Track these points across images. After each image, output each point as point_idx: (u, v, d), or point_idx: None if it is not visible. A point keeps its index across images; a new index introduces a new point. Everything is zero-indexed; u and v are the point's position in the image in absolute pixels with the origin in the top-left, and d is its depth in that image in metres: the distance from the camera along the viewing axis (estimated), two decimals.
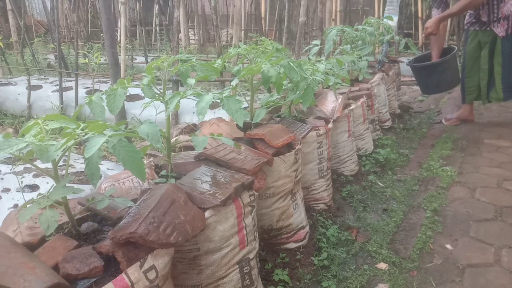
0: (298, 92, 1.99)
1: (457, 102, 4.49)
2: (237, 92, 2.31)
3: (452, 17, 3.76)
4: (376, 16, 6.81)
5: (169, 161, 1.44)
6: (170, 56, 1.47)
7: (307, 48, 3.27)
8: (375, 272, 1.77)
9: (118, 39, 5.15)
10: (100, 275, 0.95)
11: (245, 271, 1.33)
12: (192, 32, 9.84)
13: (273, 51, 2.01)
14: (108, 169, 2.38)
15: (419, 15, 7.39)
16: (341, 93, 2.71)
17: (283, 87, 1.94)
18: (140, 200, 1.14)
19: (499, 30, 3.48)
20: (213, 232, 1.23)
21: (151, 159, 1.61)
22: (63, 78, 4.50)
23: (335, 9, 6.83)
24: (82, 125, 1.08)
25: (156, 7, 9.44)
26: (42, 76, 5.57)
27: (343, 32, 3.39)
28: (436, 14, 3.83)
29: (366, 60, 3.31)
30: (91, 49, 5.15)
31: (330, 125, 2.29)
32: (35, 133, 1.04)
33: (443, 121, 4.11)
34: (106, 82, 4.79)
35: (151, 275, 0.96)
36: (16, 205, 1.92)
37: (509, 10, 3.38)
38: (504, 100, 3.80)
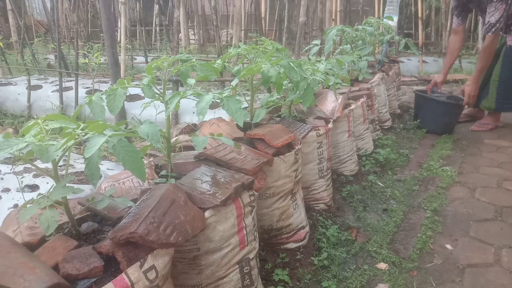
0: (298, 92, 1.99)
1: None
2: (237, 92, 2.31)
3: (484, 70, 3.61)
4: (376, 16, 6.81)
5: (169, 161, 1.44)
6: (170, 56, 1.47)
7: (307, 48, 3.28)
8: (375, 272, 1.77)
9: (118, 39, 5.15)
10: (100, 275, 0.95)
11: (245, 271, 1.33)
12: (192, 32, 9.84)
13: (273, 51, 2.01)
14: (108, 169, 2.38)
15: (419, 15, 7.39)
16: (341, 93, 2.71)
17: (283, 87, 1.94)
18: (140, 200, 1.14)
19: (509, 39, 3.43)
20: (213, 232, 1.23)
21: (151, 159, 1.61)
22: (63, 78, 4.50)
23: (335, 9, 6.83)
24: (82, 125, 1.08)
25: (156, 7, 9.44)
26: (42, 76, 5.56)
27: (343, 32, 3.39)
28: (456, 22, 3.71)
29: (366, 60, 3.31)
30: (91, 49, 5.14)
31: (330, 125, 2.29)
32: (35, 133, 1.04)
33: None
34: (106, 82, 4.79)
35: (151, 275, 0.96)
36: (16, 205, 1.91)
37: None
38: (496, 111, 3.70)
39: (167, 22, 8.04)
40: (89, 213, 1.22)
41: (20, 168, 2.27)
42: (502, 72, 3.50)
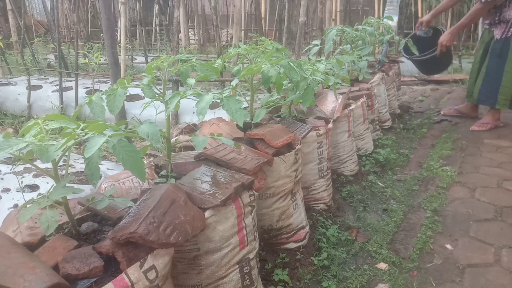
0: (298, 92, 1.99)
1: (457, 102, 4.50)
2: (237, 92, 2.31)
3: (464, 28, 3.82)
4: (376, 16, 6.81)
5: (169, 161, 1.44)
6: (170, 56, 1.47)
7: (307, 48, 3.27)
8: (375, 272, 1.77)
9: (118, 39, 5.15)
10: (100, 275, 0.95)
11: (245, 271, 1.33)
12: (192, 32, 9.84)
13: (273, 51, 2.01)
14: (108, 169, 2.38)
15: (419, 15, 7.38)
16: (341, 93, 2.71)
17: (283, 87, 1.93)
18: (140, 200, 1.14)
19: (497, 32, 3.51)
20: (213, 232, 1.23)
21: (151, 159, 1.61)
22: (63, 78, 4.50)
23: (335, 9, 6.83)
24: (82, 125, 1.08)
25: (156, 7, 9.44)
26: (42, 76, 5.57)
27: (343, 32, 3.39)
28: None
29: (366, 60, 3.31)
30: (91, 49, 5.15)
31: (330, 125, 2.29)
32: (35, 133, 1.04)
33: (442, 111, 4.22)
34: (106, 82, 4.79)
35: (151, 275, 0.96)
36: (16, 205, 1.91)
37: (510, 15, 3.38)
38: (478, 103, 3.81)
39: (167, 22, 8.04)
40: (89, 213, 1.22)
41: (20, 168, 2.27)
42: (488, 65, 3.59)
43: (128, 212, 1.07)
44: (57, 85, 4.50)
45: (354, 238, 2.02)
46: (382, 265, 1.82)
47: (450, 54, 4.06)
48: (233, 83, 1.95)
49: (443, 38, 3.76)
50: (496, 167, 2.86)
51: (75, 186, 1.18)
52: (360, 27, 3.52)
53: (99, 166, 0.99)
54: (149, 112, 1.85)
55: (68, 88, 4.53)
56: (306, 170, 2.11)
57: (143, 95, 1.40)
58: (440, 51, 3.77)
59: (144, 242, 0.98)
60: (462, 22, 3.73)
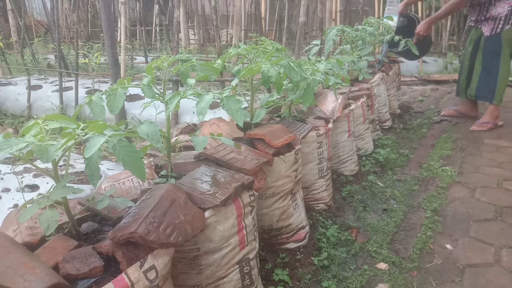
0: (298, 92, 1.99)
1: (457, 102, 4.51)
2: (237, 92, 2.31)
3: (440, 19, 3.97)
4: (376, 16, 6.80)
5: (169, 161, 1.44)
6: (170, 56, 1.47)
7: (307, 48, 3.27)
8: (375, 272, 1.77)
9: (118, 39, 5.15)
10: (100, 275, 0.95)
11: (245, 271, 1.33)
12: (192, 32, 9.84)
13: (273, 51, 2.01)
14: (108, 169, 2.38)
15: (419, 15, 7.38)
16: (341, 93, 2.71)
17: (283, 87, 1.93)
18: (140, 200, 1.14)
19: (486, 29, 3.56)
20: (213, 232, 1.23)
21: (151, 159, 1.61)
22: (63, 78, 4.50)
23: (335, 9, 6.83)
24: (82, 125, 1.08)
25: (156, 7, 9.44)
26: (42, 76, 5.57)
27: (343, 32, 3.39)
28: None
29: (366, 60, 3.31)
30: (91, 49, 5.15)
31: (330, 125, 2.29)
32: (35, 133, 1.04)
33: (442, 112, 4.24)
34: (106, 82, 4.79)
35: (151, 275, 0.96)
36: (16, 205, 1.91)
37: (497, 13, 3.45)
38: (475, 99, 3.89)
39: (167, 22, 8.04)
40: (89, 213, 1.22)
41: (20, 168, 2.27)
42: (483, 61, 3.65)
43: (128, 212, 1.07)
44: (57, 85, 4.50)
45: (354, 238, 2.01)
46: (382, 265, 1.81)
47: (429, 39, 4.20)
48: (233, 83, 1.95)
49: (420, 28, 3.90)
50: (496, 167, 2.87)
51: (75, 186, 1.18)
52: (360, 27, 3.52)
53: (99, 166, 0.99)
54: (149, 112, 1.85)
55: (68, 88, 4.53)
56: (306, 170, 2.11)
57: (143, 95, 1.40)
58: (417, 39, 3.88)
59: (144, 242, 0.98)
60: (439, 13, 3.95)
